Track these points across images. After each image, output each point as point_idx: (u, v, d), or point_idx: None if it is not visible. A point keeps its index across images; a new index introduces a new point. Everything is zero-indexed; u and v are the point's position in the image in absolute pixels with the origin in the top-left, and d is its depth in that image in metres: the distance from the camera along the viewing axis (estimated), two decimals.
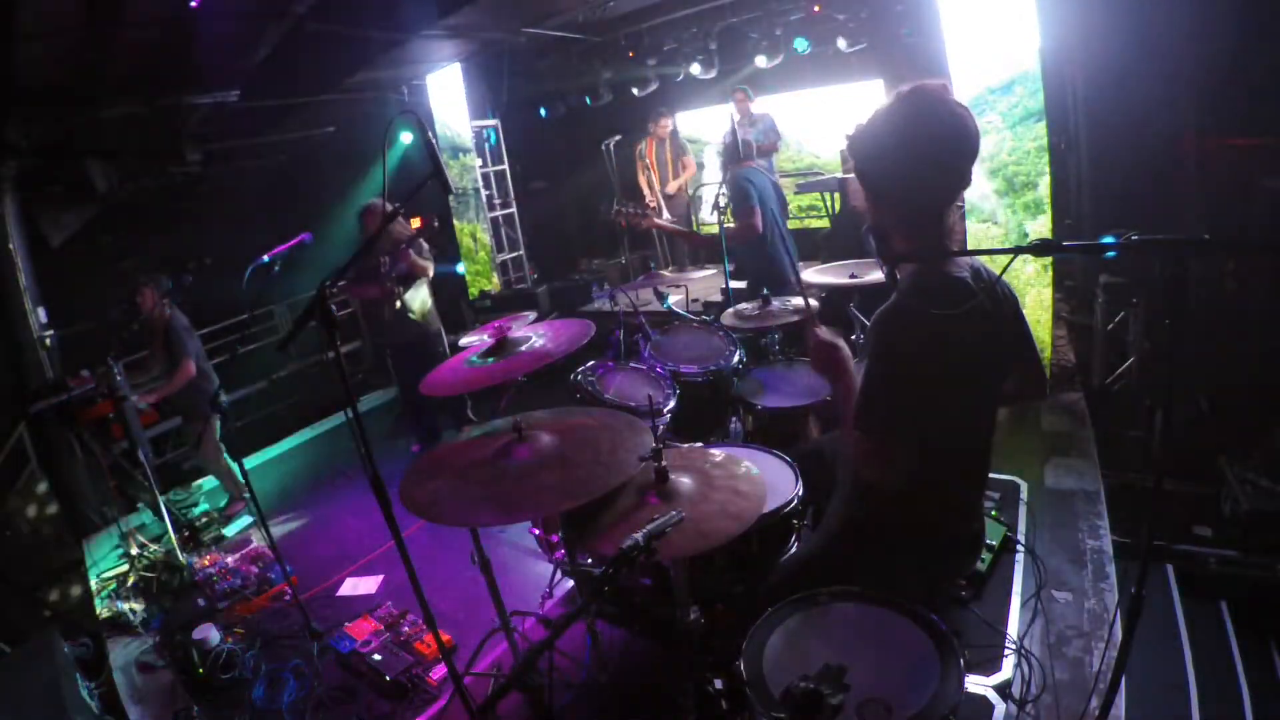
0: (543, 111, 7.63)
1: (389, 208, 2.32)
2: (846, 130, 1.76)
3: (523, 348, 2.27)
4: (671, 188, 7.04)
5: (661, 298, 3.94)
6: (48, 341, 4.54)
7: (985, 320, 1.57)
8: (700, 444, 2.49)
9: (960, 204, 3.89)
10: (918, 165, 1.51)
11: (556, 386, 2.89)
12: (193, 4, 3.79)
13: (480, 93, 7.26)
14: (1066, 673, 2.16)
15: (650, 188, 7.04)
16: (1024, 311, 1.75)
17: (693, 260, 7.45)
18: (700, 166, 8.28)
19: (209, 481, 4.68)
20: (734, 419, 3.13)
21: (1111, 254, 1.17)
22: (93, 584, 3.55)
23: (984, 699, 2.08)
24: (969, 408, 1.61)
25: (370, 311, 4.62)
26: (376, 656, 2.69)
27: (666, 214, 6.86)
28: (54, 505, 3.94)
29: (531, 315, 3.01)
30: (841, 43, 5.81)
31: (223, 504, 4.35)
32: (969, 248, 3.67)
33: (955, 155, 1.52)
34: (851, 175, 5.33)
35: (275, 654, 2.88)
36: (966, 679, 1.33)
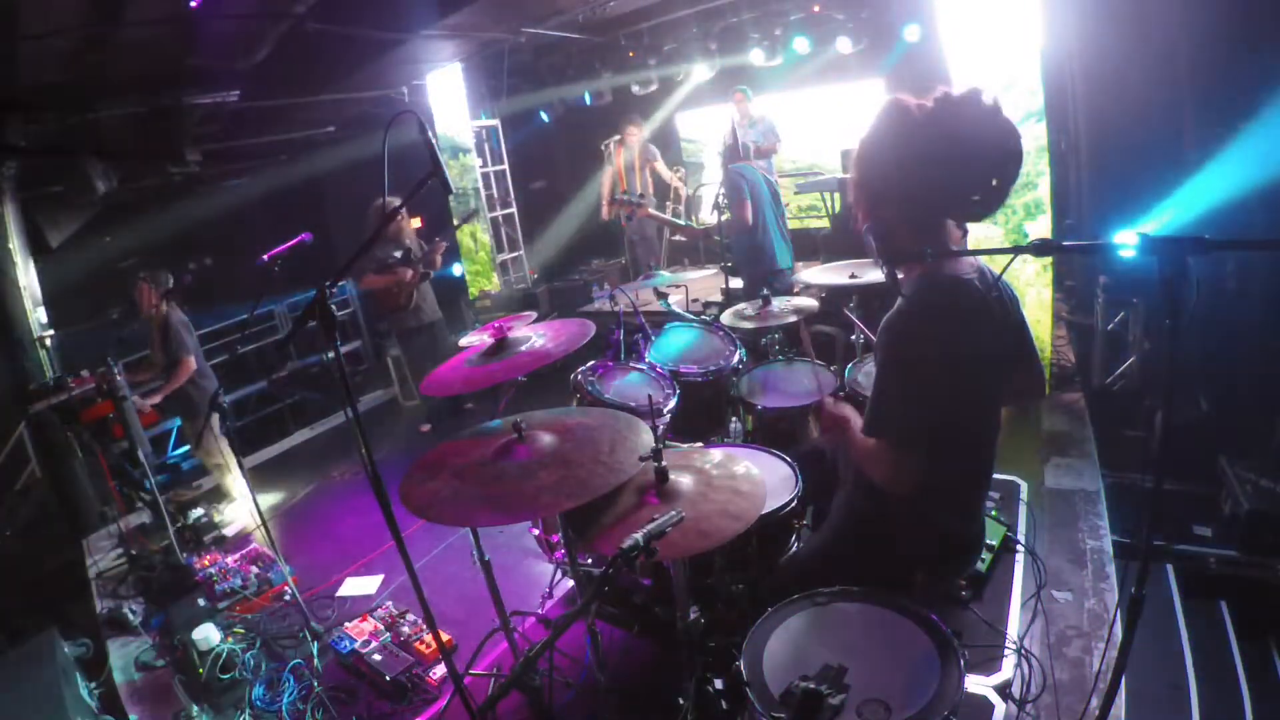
0: (543, 114, 7.63)
1: (391, 205, 2.44)
2: (860, 132, 1.69)
3: (523, 348, 2.27)
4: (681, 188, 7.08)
5: (661, 297, 3.95)
6: (48, 341, 4.54)
7: (991, 322, 1.57)
8: (700, 444, 2.50)
9: None
10: (965, 169, 1.46)
11: (556, 386, 2.89)
12: (193, 4, 3.79)
13: (480, 93, 7.26)
14: (1066, 673, 2.16)
15: (611, 194, 7.05)
16: (1024, 312, 1.75)
17: (691, 260, 7.47)
18: (700, 166, 8.29)
19: (209, 481, 4.68)
20: (734, 419, 3.13)
21: (1115, 254, 1.17)
22: (93, 584, 3.55)
23: (984, 699, 2.08)
24: (976, 409, 1.61)
25: (386, 299, 4.85)
26: (376, 656, 2.69)
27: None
28: (54, 505, 3.94)
29: (531, 315, 3.00)
30: (843, 43, 5.81)
31: (223, 504, 4.35)
32: (969, 248, 3.66)
33: (1005, 166, 1.47)
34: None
35: (275, 654, 2.88)
36: (966, 679, 1.33)
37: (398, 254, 4.74)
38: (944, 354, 1.49)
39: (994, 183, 1.48)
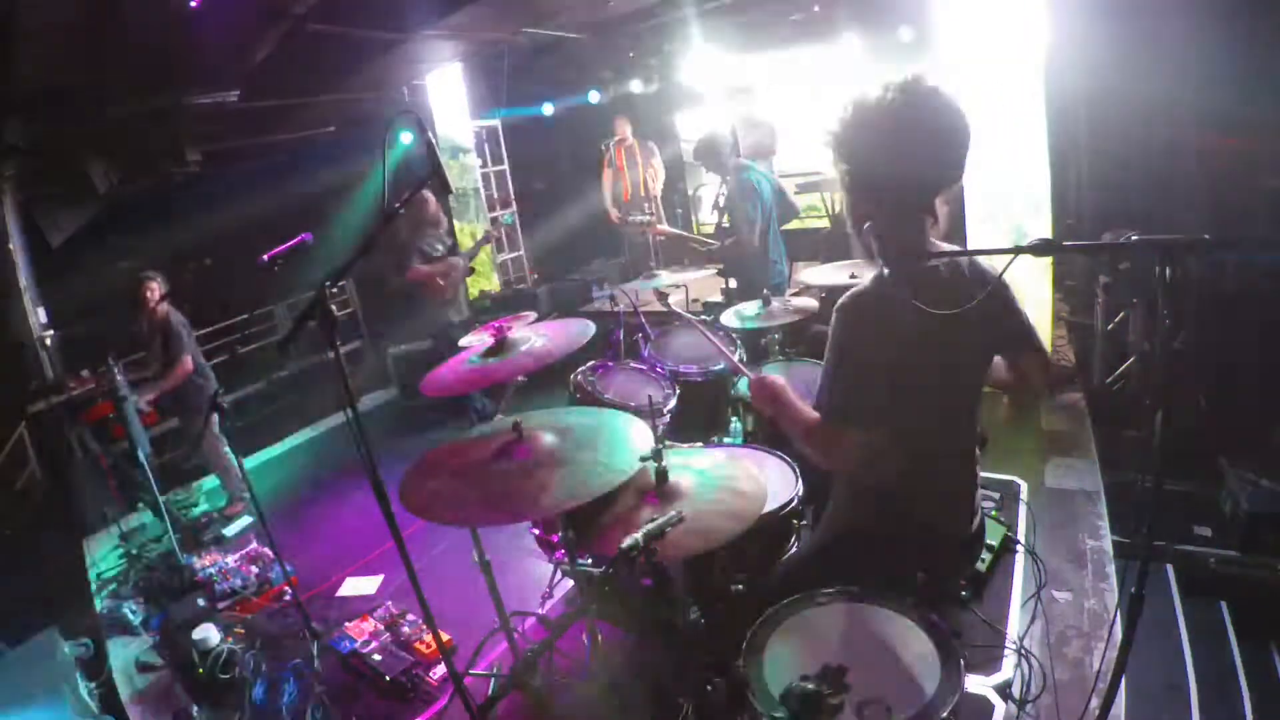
0: (544, 109, 7.63)
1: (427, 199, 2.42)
2: (829, 128, 1.69)
3: (523, 348, 2.27)
4: (655, 190, 7.04)
5: (661, 297, 3.95)
6: (48, 341, 4.54)
7: (951, 316, 1.51)
8: (700, 443, 2.50)
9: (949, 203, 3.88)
10: (912, 160, 1.49)
11: (556, 386, 2.89)
12: (193, 4, 3.79)
13: (480, 93, 7.26)
14: (1066, 673, 2.17)
15: (614, 195, 7.01)
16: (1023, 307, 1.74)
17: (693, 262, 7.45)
18: (699, 166, 8.28)
19: (209, 481, 4.68)
20: (734, 419, 3.13)
21: (1115, 254, 1.17)
22: (93, 584, 3.55)
23: (984, 699, 2.08)
24: (936, 398, 1.60)
25: (432, 292, 4.74)
26: (376, 656, 2.69)
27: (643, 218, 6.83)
28: (54, 505, 3.95)
29: (531, 315, 3.00)
30: (847, 39, 5.83)
31: (223, 504, 4.35)
32: (969, 248, 3.67)
33: (952, 149, 1.51)
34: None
35: (275, 654, 2.87)
36: (966, 679, 1.33)
37: (440, 247, 4.73)
38: (882, 342, 1.51)
39: (959, 160, 1.52)
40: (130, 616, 3.18)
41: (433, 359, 4.90)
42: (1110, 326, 4.16)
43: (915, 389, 1.56)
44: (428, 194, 4.51)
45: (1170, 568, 2.96)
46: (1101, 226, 4.70)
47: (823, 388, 1.62)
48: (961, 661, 1.35)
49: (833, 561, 1.78)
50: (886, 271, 1.59)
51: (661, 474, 1.68)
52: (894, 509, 1.69)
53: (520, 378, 2.24)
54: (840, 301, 1.58)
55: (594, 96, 7.20)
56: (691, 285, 6.07)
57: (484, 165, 7.38)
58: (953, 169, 1.56)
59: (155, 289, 4.08)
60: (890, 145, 1.50)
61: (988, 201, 3.99)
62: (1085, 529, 2.87)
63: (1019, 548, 2.68)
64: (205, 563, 3.50)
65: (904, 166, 1.50)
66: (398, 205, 1.66)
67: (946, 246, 1.69)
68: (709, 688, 1.67)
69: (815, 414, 1.63)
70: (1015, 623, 2.36)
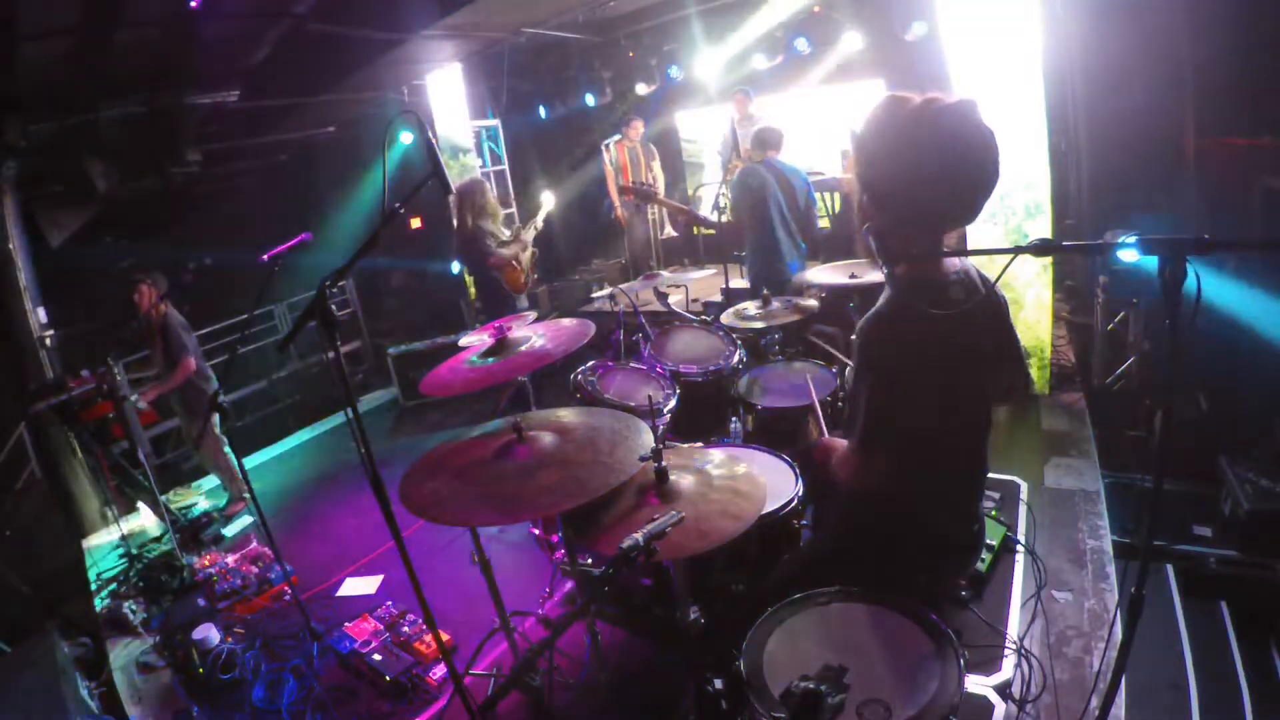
0: (542, 111, 7.63)
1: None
2: (852, 126, 1.67)
3: (523, 348, 2.27)
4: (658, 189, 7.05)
5: (662, 297, 3.95)
6: (48, 341, 4.54)
7: (969, 326, 1.55)
8: (700, 443, 2.50)
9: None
10: (937, 184, 1.45)
11: (556, 386, 2.89)
12: (193, 4, 3.80)
13: (480, 93, 7.26)
14: (1066, 673, 2.16)
15: (613, 189, 7.03)
16: (1022, 312, 1.75)
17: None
18: (700, 167, 8.29)
19: (209, 481, 4.68)
20: (734, 419, 3.13)
21: (1115, 254, 1.17)
22: (92, 584, 3.55)
23: (984, 699, 2.08)
24: (957, 408, 1.60)
25: (512, 277, 4.72)
26: (376, 656, 2.68)
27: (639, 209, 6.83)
28: (54, 505, 3.95)
29: (531, 315, 3.00)
30: (848, 39, 5.83)
31: (223, 504, 4.35)
32: (969, 248, 3.67)
33: (977, 182, 1.47)
34: (849, 176, 5.37)
35: (275, 654, 2.87)
36: (966, 679, 1.33)
37: (506, 232, 4.68)
38: (910, 359, 1.49)
39: (975, 194, 1.48)
40: (130, 616, 3.18)
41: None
42: (1110, 326, 4.16)
43: (939, 400, 1.56)
44: (485, 183, 4.59)
45: (1170, 568, 2.96)
46: (1101, 226, 4.71)
47: (853, 416, 1.61)
48: (961, 661, 1.35)
49: (834, 562, 1.78)
50: (888, 271, 1.59)
51: (661, 474, 1.68)
52: (899, 513, 1.69)
53: (520, 378, 2.24)
54: (860, 325, 1.56)
55: (590, 100, 7.20)
56: (692, 285, 6.07)
57: (484, 165, 7.38)
58: (971, 203, 1.50)
59: (145, 291, 4.06)
60: (905, 167, 1.46)
61: (988, 202, 3.99)
62: (1085, 529, 2.87)
63: (1019, 548, 2.68)
64: (205, 563, 3.50)
65: (916, 190, 1.47)
66: (398, 205, 1.67)
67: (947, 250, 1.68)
68: (709, 688, 1.67)
69: (843, 442, 1.65)
70: (1015, 623, 2.36)
